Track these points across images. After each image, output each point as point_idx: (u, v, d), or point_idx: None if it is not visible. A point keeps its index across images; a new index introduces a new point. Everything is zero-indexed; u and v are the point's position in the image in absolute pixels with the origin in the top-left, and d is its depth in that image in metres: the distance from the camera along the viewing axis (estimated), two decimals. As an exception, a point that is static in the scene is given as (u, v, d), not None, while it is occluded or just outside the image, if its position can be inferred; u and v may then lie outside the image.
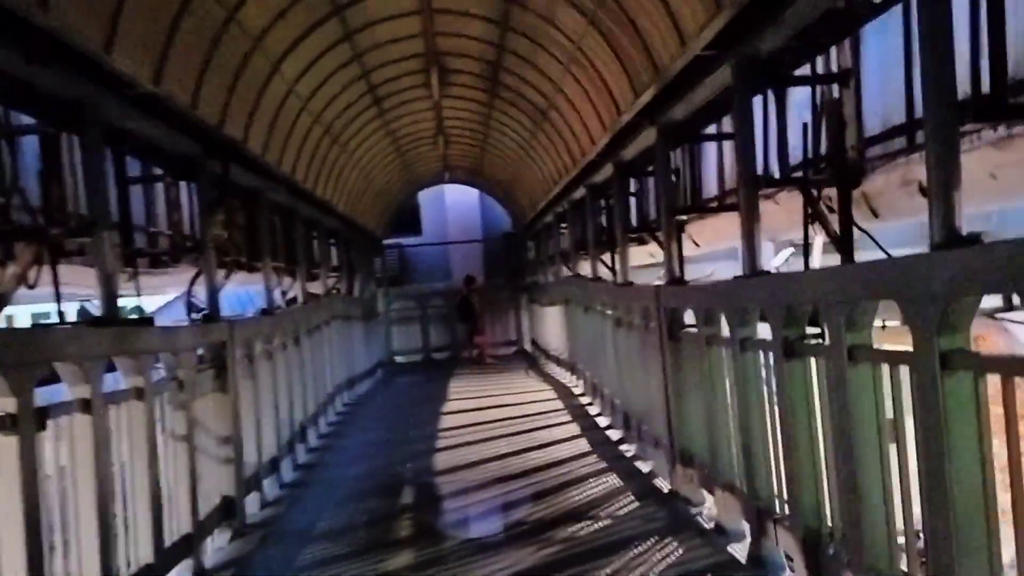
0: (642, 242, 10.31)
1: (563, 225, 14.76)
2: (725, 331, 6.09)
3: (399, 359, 21.22)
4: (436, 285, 21.61)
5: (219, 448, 6.90)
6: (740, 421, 5.67)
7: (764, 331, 5.51)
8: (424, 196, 21.59)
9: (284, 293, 11.28)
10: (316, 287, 12.60)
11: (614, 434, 9.86)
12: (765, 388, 5.39)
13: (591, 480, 7.96)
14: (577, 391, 13.26)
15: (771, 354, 5.11)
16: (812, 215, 5.61)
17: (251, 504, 7.58)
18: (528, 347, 20.96)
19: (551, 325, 16.65)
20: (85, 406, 4.49)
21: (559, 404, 12.45)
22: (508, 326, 21.45)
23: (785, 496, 5.12)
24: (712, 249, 10.32)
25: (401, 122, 12.54)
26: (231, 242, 6.95)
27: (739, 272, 5.75)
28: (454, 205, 21.87)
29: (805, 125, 5.72)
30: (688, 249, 9.36)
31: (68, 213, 5.46)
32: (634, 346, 8.90)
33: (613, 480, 7.89)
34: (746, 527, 5.82)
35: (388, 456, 9.89)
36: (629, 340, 9.05)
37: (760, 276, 5.35)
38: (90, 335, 4.67)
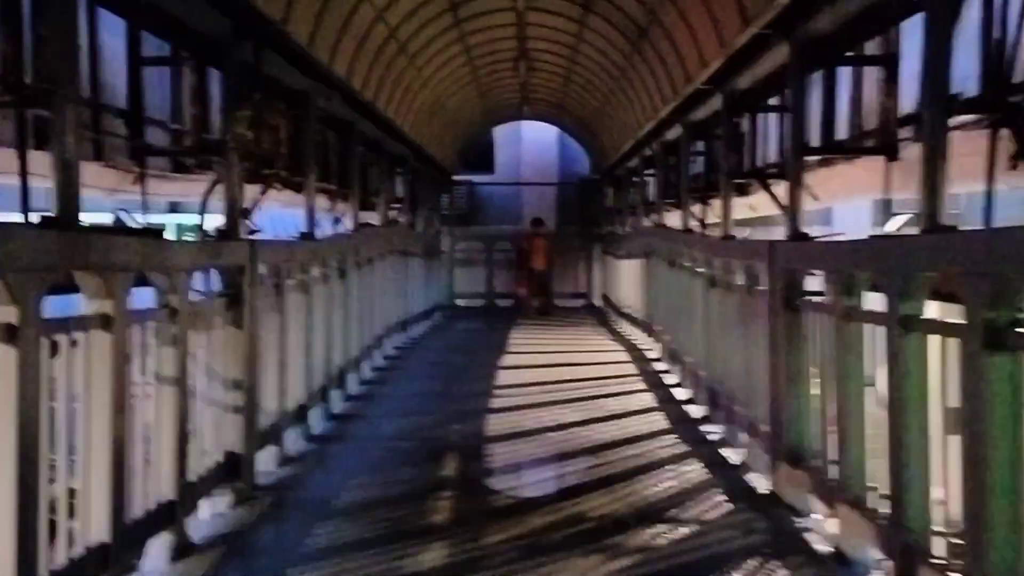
0: (743, 192, 8.82)
1: (649, 171, 13.26)
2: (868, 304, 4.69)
3: (460, 303, 20.03)
4: (505, 227, 20.22)
5: (227, 394, 5.71)
6: (890, 424, 4.24)
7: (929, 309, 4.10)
8: (499, 132, 20.15)
9: (338, 220, 10.08)
10: (373, 217, 11.36)
11: (695, 410, 8.49)
12: (938, 385, 3.96)
13: (670, 467, 6.64)
14: (652, 355, 11.88)
15: (959, 342, 3.66)
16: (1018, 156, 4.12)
17: (267, 461, 6.42)
18: (598, 301, 19.58)
19: (626, 279, 15.23)
20: (10, 334, 3.28)
21: (632, 368, 11.10)
22: (578, 278, 20.02)
23: (956, 538, 3.72)
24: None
25: (479, 37, 11.07)
26: (259, 147, 5.69)
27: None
28: (531, 143, 20.36)
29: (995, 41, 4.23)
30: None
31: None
32: (732, 312, 7.48)
33: (696, 470, 6.55)
34: (878, 559, 4.45)
35: (435, 412, 8.66)
36: (726, 304, 7.62)
37: (949, 233, 3.89)
38: (26, 239, 3.44)
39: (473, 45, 11.40)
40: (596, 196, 19.40)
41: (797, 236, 5.91)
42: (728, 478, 6.35)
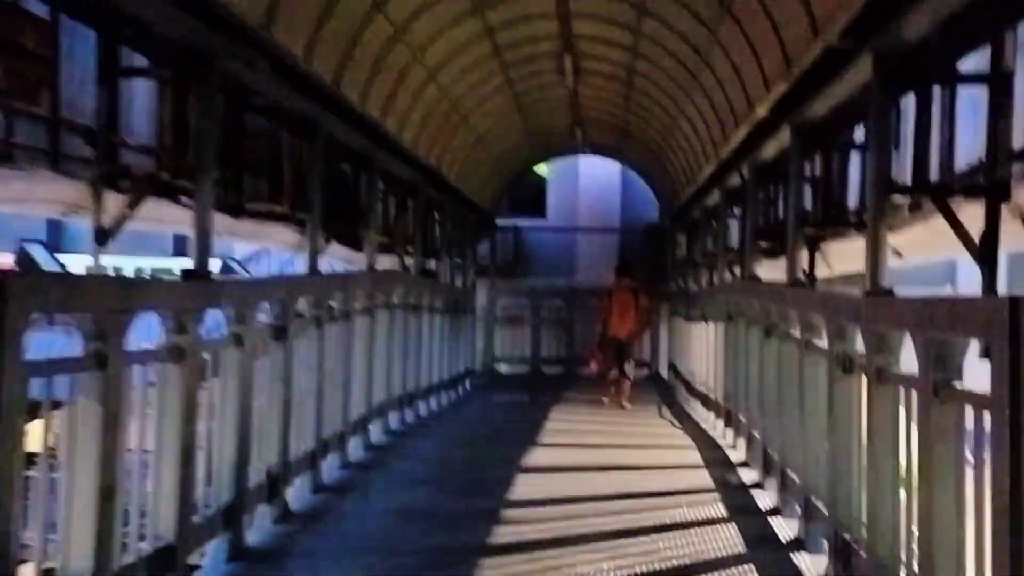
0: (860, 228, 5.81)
1: (734, 208, 10.28)
2: None
3: (503, 369, 17.05)
4: (556, 282, 17.22)
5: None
6: None
7: None
8: (553, 169, 17.34)
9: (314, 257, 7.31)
10: (385, 262, 8.59)
11: (811, 563, 5.41)
12: None
13: None
14: (734, 455, 8.77)
15: None
16: None
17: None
18: (664, 372, 16.47)
19: (698, 347, 12.13)
20: None
21: (706, 477, 7.98)
22: (642, 343, 16.82)
23: None
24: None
25: (512, 34, 8.27)
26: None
27: None
28: (589, 183, 17.43)
29: None
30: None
31: None
32: (887, 414, 4.45)
33: None
34: None
35: (408, 551, 5.69)
36: (880, 402, 4.56)
37: None
38: None
39: (507, 45, 8.57)
40: (665, 245, 16.35)
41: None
42: None
